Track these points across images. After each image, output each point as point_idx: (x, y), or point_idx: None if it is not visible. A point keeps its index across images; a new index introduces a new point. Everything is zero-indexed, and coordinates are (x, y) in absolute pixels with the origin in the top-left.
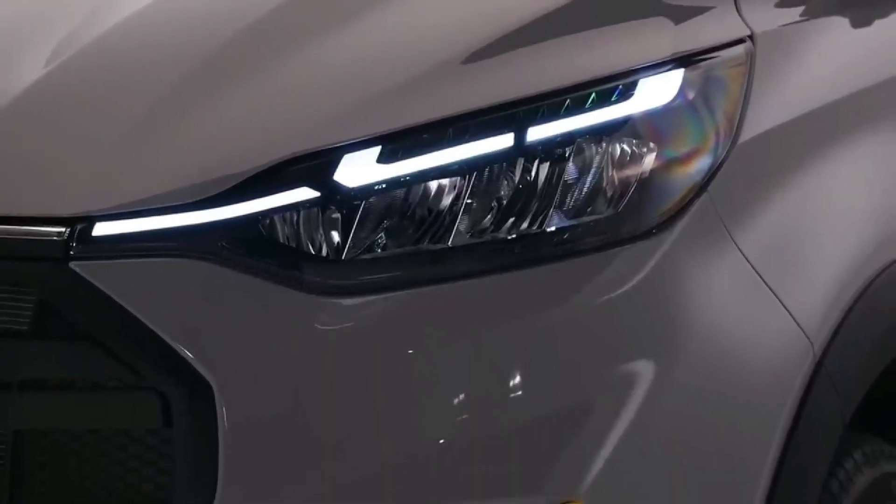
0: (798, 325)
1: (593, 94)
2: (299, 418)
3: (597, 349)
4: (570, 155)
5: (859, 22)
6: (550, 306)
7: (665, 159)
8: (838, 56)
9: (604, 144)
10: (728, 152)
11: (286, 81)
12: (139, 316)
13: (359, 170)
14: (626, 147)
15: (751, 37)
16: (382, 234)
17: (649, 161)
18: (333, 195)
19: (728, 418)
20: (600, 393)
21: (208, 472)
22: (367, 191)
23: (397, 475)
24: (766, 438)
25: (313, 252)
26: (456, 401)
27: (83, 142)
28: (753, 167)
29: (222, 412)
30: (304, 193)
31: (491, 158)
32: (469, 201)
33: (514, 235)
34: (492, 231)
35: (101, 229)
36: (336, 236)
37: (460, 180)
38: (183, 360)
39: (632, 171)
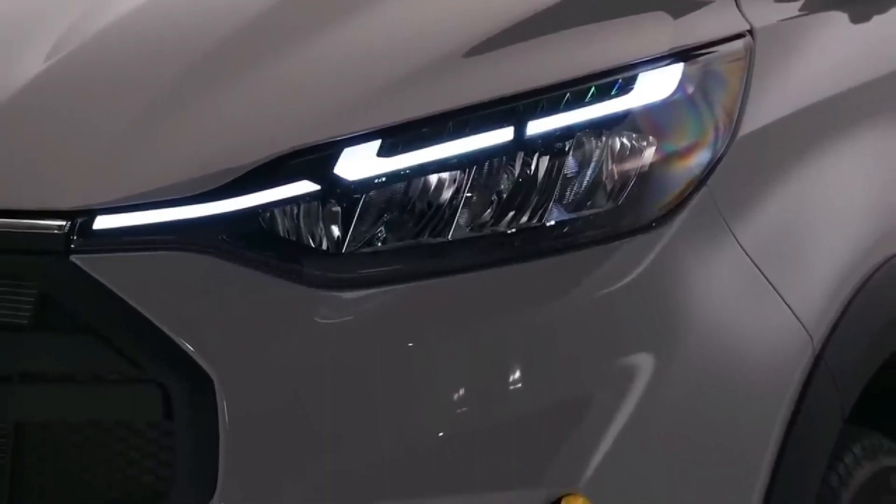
0: (797, 318)
1: (593, 88)
2: (299, 411)
3: (596, 342)
4: (569, 149)
5: (858, 17)
6: (550, 300)
7: (664, 153)
8: (837, 51)
9: (603, 138)
10: (727, 146)
11: (286, 76)
12: (140, 309)
13: (359, 163)
14: (625, 141)
15: (750, 31)
16: (382, 227)
17: (649, 155)
18: (333, 189)
19: (727, 412)
20: (600, 386)
21: (209, 465)
22: (367, 184)
23: (397, 468)
24: (765, 432)
25: (313, 245)
26: (456, 394)
27: (84, 136)
28: (753, 161)
29: (223, 405)
30: (305, 187)
31: (491, 152)
32: (469, 195)
33: (513, 229)
34: (492, 225)
35: (102, 223)
36: (336, 230)
37: (460, 174)
38: (183, 352)
39: (631, 165)
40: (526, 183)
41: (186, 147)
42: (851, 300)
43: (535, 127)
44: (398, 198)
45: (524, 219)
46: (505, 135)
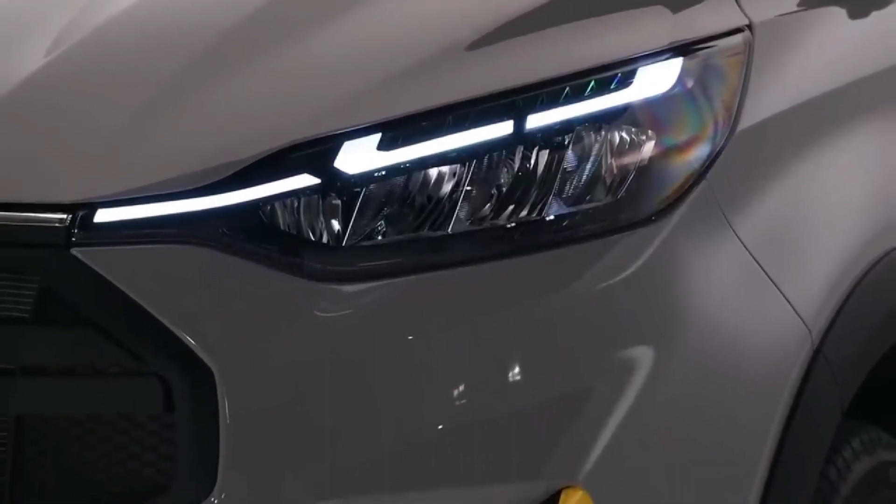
0: (796, 312)
1: (592, 83)
2: (300, 404)
3: (596, 336)
4: (569, 142)
5: (857, 12)
6: (549, 293)
7: (664, 147)
8: (836, 46)
9: (603, 132)
10: (726, 140)
11: (286, 69)
12: (140, 302)
13: (359, 157)
14: (624, 135)
15: (749, 26)
16: (382, 220)
17: (648, 149)
18: (334, 182)
19: (726, 406)
20: (599, 380)
21: (209, 458)
22: (367, 178)
23: (397, 461)
24: (764, 426)
25: (314, 239)
26: (455, 387)
27: (84, 129)
28: (752, 155)
29: (223, 398)
30: (305, 180)
31: (491, 146)
32: (469, 188)
33: (513, 223)
34: (491, 218)
35: (103, 216)
36: (336, 223)
37: (460, 167)
38: (184, 345)
39: (631, 159)
40: (525, 177)
41: (187, 140)
42: (850, 294)
43: (535, 121)
44: (398, 191)
45: (524, 212)
46: (504, 129)
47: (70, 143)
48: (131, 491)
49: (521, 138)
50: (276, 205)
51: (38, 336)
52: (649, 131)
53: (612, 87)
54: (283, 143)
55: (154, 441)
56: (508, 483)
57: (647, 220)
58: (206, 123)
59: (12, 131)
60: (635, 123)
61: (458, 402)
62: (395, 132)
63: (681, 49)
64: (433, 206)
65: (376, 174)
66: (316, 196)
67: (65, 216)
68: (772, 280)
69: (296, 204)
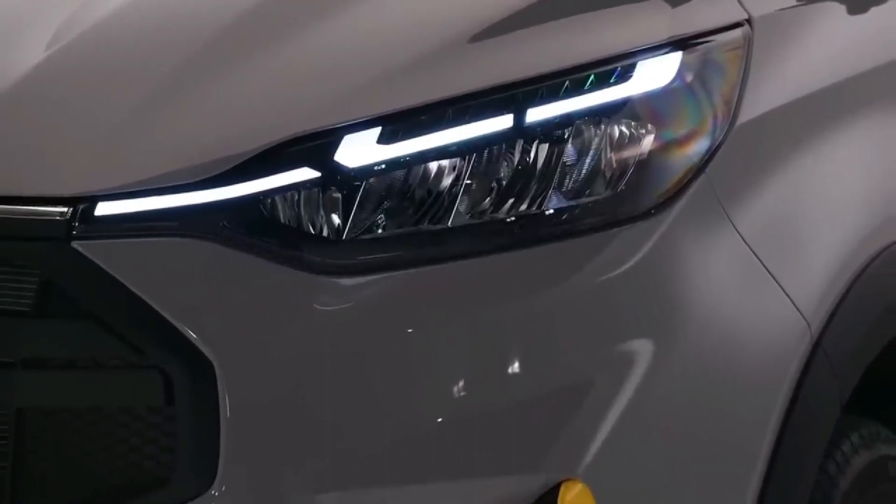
0: (795, 306)
1: (592, 76)
2: (300, 397)
3: (595, 329)
4: (568, 136)
5: (856, 7)
6: (549, 286)
7: (663, 141)
8: (836, 41)
9: (602, 126)
10: (726, 134)
11: (287, 64)
12: (141, 295)
13: (359, 150)
14: (624, 129)
15: (748, 21)
16: (383, 214)
17: (647, 143)
18: (334, 175)
19: (725, 400)
20: (598, 373)
21: (210, 451)
22: (367, 171)
23: (397, 454)
24: (763, 419)
25: (314, 232)
26: (455, 380)
27: (85, 123)
28: (751, 150)
29: (224, 390)
30: (305, 174)
31: (490, 140)
32: (469, 182)
33: (513, 216)
34: (491, 212)
35: (103, 209)
36: (336, 216)
37: (460, 161)
38: (185, 338)
39: (630, 153)
40: (525, 170)
41: (187, 134)
42: (849, 288)
43: (535, 115)
44: (398, 185)
45: (523, 206)
46: (504, 122)
47: (70, 136)
48: (132, 483)
49: (521, 132)
50: (277, 198)
51: (38, 329)
52: (649, 125)
53: (611, 81)
54: (284, 137)
55: (155, 434)
56: (508, 476)
57: (646, 214)
58: (207, 117)
59: (13, 125)
60: (635, 117)
61: (457, 396)
62: (395, 126)
63: (680, 43)
64: (433, 200)
65: (376, 168)
66: (316, 189)
67: (65, 209)
68: (771, 274)
69: (296, 197)
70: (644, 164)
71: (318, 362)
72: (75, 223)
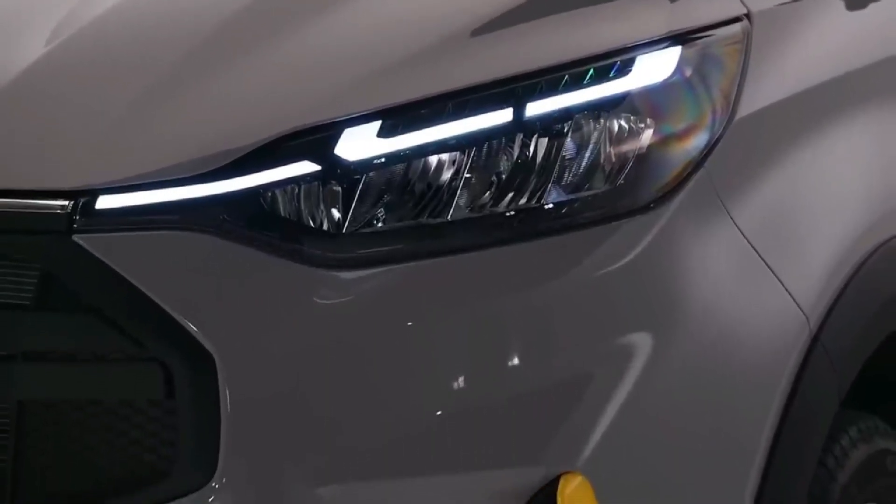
0: (794, 300)
1: (591, 71)
2: (300, 391)
3: (594, 323)
4: (568, 130)
5: (855, 3)
6: (549, 280)
7: (662, 135)
8: (835, 36)
9: (601, 120)
10: (725, 129)
11: (287, 58)
12: (142, 288)
13: (359, 144)
14: (623, 123)
15: (747, 15)
16: (383, 207)
17: (647, 137)
18: (334, 169)
19: (724, 393)
20: (598, 367)
21: (210, 444)
22: (367, 165)
23: (397, 447)
24: (762, 413)
25: (314, 226)
26: (455, 373)
27: (85, 118)
28: (750, 144)
29: (224, 383)
30: (305, 167)
31: (490, 134)
32: (468, 176)
33: (512, 210)
34: (491, 205)
35: (104, 202)
36: (336, 210)
37: (460, 155)
38: (185, 331)
39: (629, 147)
40: (525, 164)
41: (187, 128)
42: (848, 282)
43: (534, 109)
44: (398, 178)
45: (523, 200)
46: (504, 116)
47: (71, 130)
48: (132, 476)
49: (521, 126)
50: (277, 192)
51: (39, 322)
52: (648, 119)
53: (610, 75)
54: (284, 131)
55: (155, 427)
56: (508, 469)
57: (645, 208)
58: (207, 111)
59: (13, 120)
60: (634, 111)
61: (457, 389)
62: (395, 120)
63: (679, 38)
64: (433, 194)
65: (376, 161)
66: (316, 183)
67: (66, 203)
68: (770, 268)
69: (296, 191)
70: (643, 158)
71: (319, 355)
72: (76, 216)
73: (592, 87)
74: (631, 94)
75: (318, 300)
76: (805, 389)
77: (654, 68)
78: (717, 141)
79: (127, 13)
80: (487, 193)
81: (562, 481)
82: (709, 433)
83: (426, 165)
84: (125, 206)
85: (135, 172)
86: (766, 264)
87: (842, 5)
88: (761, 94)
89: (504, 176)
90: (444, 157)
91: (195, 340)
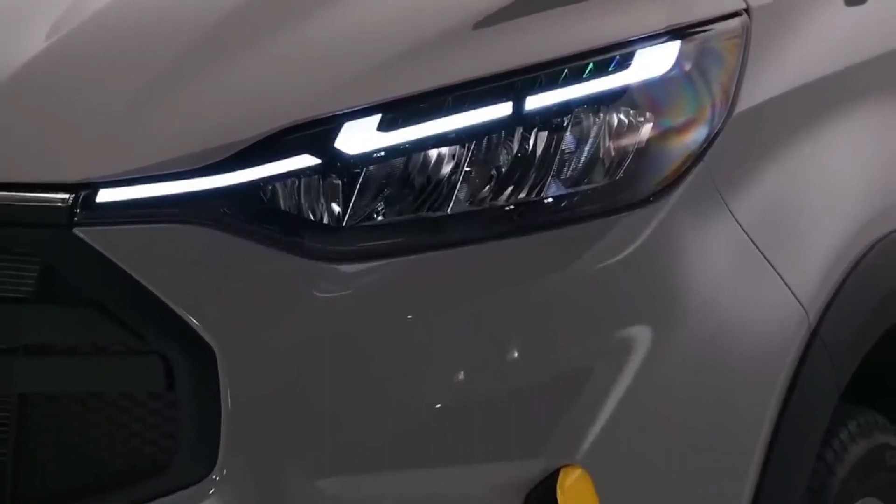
0: (793, 294)
1: (591, 65)
2: (300, 383)
3: (594, 316)
4: (567, 124)
5: None
6: (548, 273)
7: (661, 129)
8: (834, 30)
9: (601, 114)
10: (724, 123)
11: (287, 52)
12: (142, 281)
13: (359, 137)
14: (622, 117)
15: (747, 10)
16: (382, 201)
17: (646, 131)
18: (334, 163)
19: (723, 387)
20: (597, 360)
21: (210, 436)
22: (367, 158)
23: (397, 440)
24: (761, 407)
25: (314, 219)
26: (454, 366)
27: (86, 111)
28: (749, 138)
29: (224, 376)
30: (305, 161)
31: (490, 127)
32: (468, 170)
33: (512, 204)
34: (490, 199)
35: (105, 196)
36: (336, 203)
37: (459, 149)
38: (185, 324)
39: (628, 141)
40: (524, 158)
41: (187, 122)
42: (847, 276)
43: (534, 102)
44: (398, 172)
45: (523, 194)
46: (504, 110)
47: (72, 124)
48: (133, 469)
49: (520, 120)
50: (277, 185)
51: (40, 315)
52: (647, 113)
53: (610, 69)
54: (284, 124)
55: (156, 419)
56: (508, 462)
57: (644, 202)
58: (207, 105)
59: (14, 113)
60: (633, 105)
61: (457, 382)
62: (395, 113)
63: (678, 32)
64: (433, 187)
65: (376, 155)
66: (316, 176)
67: (67, 196)
68: (769, 262)
69: (296, 184)
70: (642, 151)
71: (319, 348)
72: (77, 210)
73: (592, 80)
74: (630, 88)
75: (318, 293)
76: (804, 383)
77: (653, 62)
78: (717, 135)
79: (127, 7)
80: (487, 187)
81: (561, 474)
82: (708, 427)
83: (426, 159)
84: (126, 200)
85: (135, 166)
86: (765, 258)
87: (841, 0)
88: (760, 88)
89: (504, 170)
90: (444, 150)
91: (195, 333)
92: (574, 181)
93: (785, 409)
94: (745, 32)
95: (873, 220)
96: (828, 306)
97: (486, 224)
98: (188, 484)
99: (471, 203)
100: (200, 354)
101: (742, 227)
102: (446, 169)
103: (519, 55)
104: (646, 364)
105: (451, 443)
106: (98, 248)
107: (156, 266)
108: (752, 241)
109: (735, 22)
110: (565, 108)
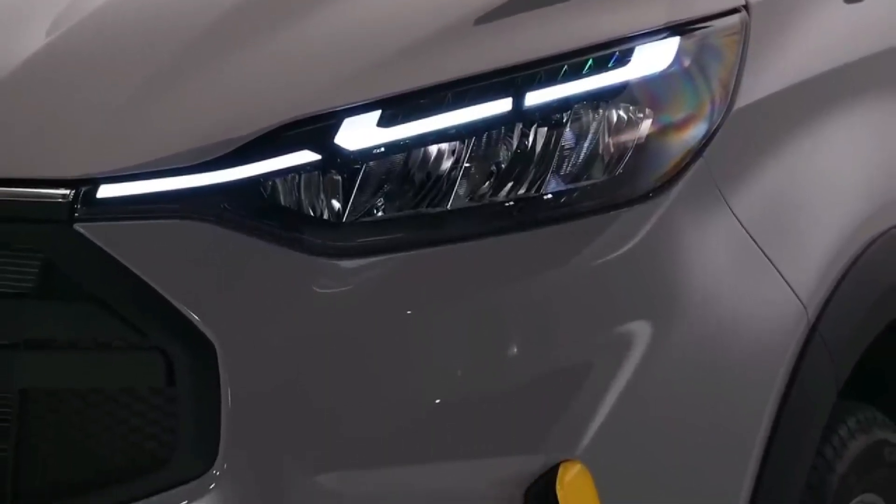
0: (792, 290)
1: (590, 61)
2: (300, 378)
3: (593, 312)
4: (567, 120)
5: None
6: (548, 269)
7: (661, 125)
8: (834, 26)
9: (601, 110)
10: (723, 119)
11: (286, 48)
12: (143, 277)
13: (359, 133)
14: (622, 113)
15: (746, 6)
16: (382, 197)
17: (645, 127)
18: (334, 158)
19: (723, 382)
20: (597, 356)
21: (210, 431)
22: (367, 154)
23: (396, 435)
24: (760, 403)
25: (314, 215)
26: (454, 362)
27: (86, 107)
28: (749, 134)
29: (225, 371)
30: (305, 156)
31: (489, 123)
32: (468, 165)
33: (512, 200)
34: (490, 195)
35: (106, 191)
36: (336, 199)
37: (459, 145)
38: (186, 319)
39: (628, 137)
40: (524, 154)
41: (188, 118)
42: (846, 272)
43: (533, 98)
44: (398, 168)
45: (522, 189)
46: (503, 106)
47: (72, 120)
48: (134, 464)
49: (520, 116)
50: (277, 181)
51: (41, 311)
52: (647, 109)
53: (609, 65)
54: (284, 120)
55: (156, 415)
56: (508, 457)
57: (644, 197)
58: (207, 101)
59: (14, 110)
60: (633, 101)
61: (457, 377)
62: (395, 109)
63: (678, 28)
64: (433, 183)
65: (376, 151)
66: (316, 172)
67: (68, 192)
68: (768, 258)
69: (296, 180)
70: (642, 147)
71: (318, 343)
72: (77, 205)
73: (591, 76)
74: (630, 84)
75: (319, 289)
76: (803, 379)
77: (652, 58)
78: (716, 131)
79: (127, 4)
80: (487, 183)
81: (561, 469)
82: (707, 422)
83: (426, 155)
84: (126, 196)
85: (136, 162)
86: (765, 254)
87: None
88: (760, 84)
89: (503, 165)
90: (444, 146)
91: (196, 328)
92: (573, 177)
93: (784, 405)
94: (745, 29)
95: (872, 216)
96: (827, 302)
97: (486, 220)
98: (188, 479)
99: (470, 199)
100: (201, 350)
101: (741, 223)
102: (446, 165)
103: (518, 51)
104: (645, 359)
105: (450, 438)
106: (99, 243)
107: (156, 262)
108: (752, 237)
109: (734, 18)
110: (565, 104)
